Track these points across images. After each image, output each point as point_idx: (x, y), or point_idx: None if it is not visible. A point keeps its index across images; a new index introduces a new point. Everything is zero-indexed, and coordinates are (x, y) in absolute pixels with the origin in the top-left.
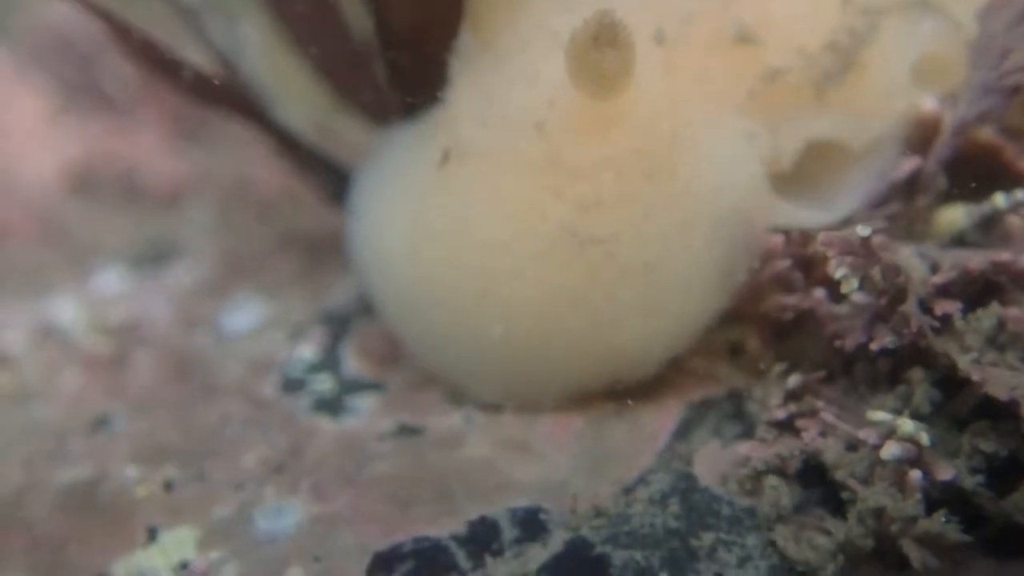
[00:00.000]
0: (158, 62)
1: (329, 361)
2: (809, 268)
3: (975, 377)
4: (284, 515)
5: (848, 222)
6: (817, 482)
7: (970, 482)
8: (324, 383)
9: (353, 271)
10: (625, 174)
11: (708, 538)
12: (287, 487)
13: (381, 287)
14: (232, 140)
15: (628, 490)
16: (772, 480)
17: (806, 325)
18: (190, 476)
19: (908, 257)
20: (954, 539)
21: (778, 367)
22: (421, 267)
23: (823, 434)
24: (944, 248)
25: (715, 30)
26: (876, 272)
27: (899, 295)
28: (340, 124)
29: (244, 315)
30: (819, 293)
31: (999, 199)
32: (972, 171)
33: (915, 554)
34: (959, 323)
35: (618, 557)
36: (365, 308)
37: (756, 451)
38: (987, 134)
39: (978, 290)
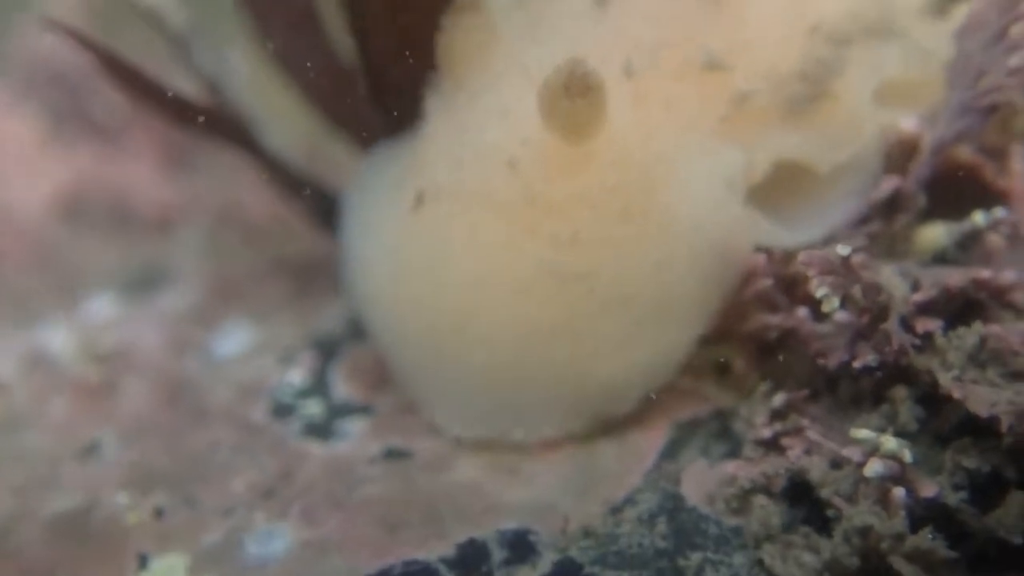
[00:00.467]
0: (146, 90)
1: (318, 385)
2: (792, 287)
3: (956, 394)
4: (274, 540)
5: (829, 241)
6: (803, 500)
7: (953, 499)
8: (314, 407)
9: (344, 297)
10: (600, 211)
11: (696, 558)
12: (277, 512)
13: (370, 325)
14: (221, 165)
15: (616, 510)
16: (761, 499)
17: (790, 344)
18: (180, 502)
19: (889, 275)
20: (942, 556)
21: (763, 386)
22: (402, 306)
23: (808, 452)
24: (925, 266)
25: (683, 58)
26: (857, 291)
27: (880, 313)
28: (327, 148)
29: (234, 340)
30: (802, 312)
31: (978, 217)
32: (952, 190)
33: (907, 570)
34: (940, 340)
35: None
36: (354, 332)
37: (742, 470)
38: (966, 153)
39: (959, 307)
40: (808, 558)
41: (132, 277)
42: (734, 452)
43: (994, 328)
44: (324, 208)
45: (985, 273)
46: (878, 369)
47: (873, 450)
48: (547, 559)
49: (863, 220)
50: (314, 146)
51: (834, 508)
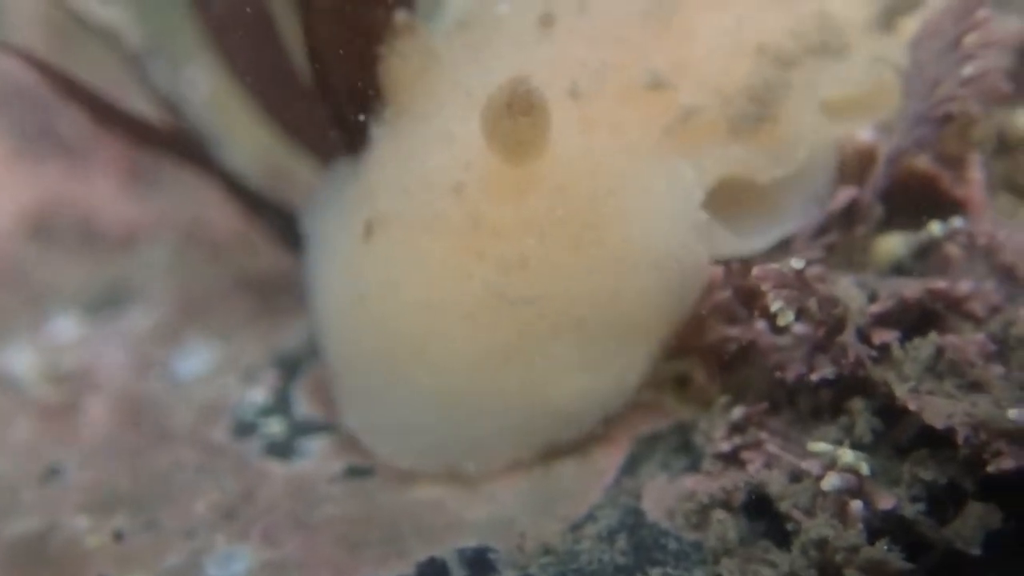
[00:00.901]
0: (104, 111)
1: (280, 404)
2: (751, 299)
3: (912, 406)
4: (234, 562)
5: (787, 251)
6: (763, 514)
7: (911, 510)
8: (275, 426)
9: (306, 313)
10: (548, 240)
11: (655, 573)
12: (238, 533)
13: (325, 355)
14: (187, 183)
15: (576, 527)
16: (719, 514)
17: (750, 356)
18: (141, 524)
19: (846, 287)
20: (897, 567)
21: (723, 399)
22: (354, 335)
23: (768, 466)
24: (883, 277)
25: (629, 79)
26: (812, 304)
27: (837, 326)
28: (288, 166)
29: (196, 359)
30: (760, 325)
31: (935, 227)
32: (910, 199)
33: None
34: (897, 352)
35: None
36: (317, 350)
37: (702, 484)
38: (923, 162)
39: (916, 318)
40: (767, 572)
41: (96, 296)
42: (694, 466)
43: (951, 339)
44: (286, 225)
45: (941, 284)
46: (835, 381)
47: (831, 463)
48: None
49: (821, 231)
50: (275, 164)
51: (793, 521)
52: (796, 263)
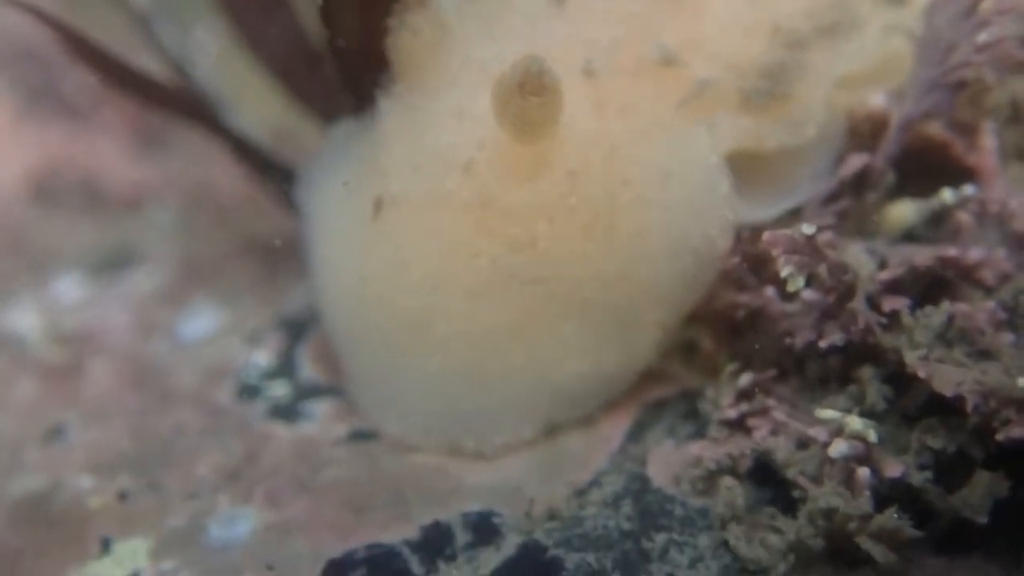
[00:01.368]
0: (111, 70)
1: (285, 367)
2: (760, 265)
3: (921, 373)
4: (238, 523)
5: (797, 218)
6: (769, 481)
7: (918, 478)
8: (279, 389)
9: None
10: (558, 224)
11: (661, 539)
12: (241, 495)
13: (332, 334)
14: (194, 144)
15: (581, 492)
16: (727, 480)
17: (759, 323)
18: (144, 485)
19: (856, 254)
20: (908, 535)
21: (730, 366)
22: (362, 312)
23: (774, 433)
24: (893, 244)
25: (641, 56)
26: (823, 270)
27: (847, 292)
28: (296, 128)
29: (201, 321)
30: (769, 291)
31: (947, 194)
32: (922, 166)
33: (876, 550)
34: (907, 319)
35: (571, 560)
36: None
37: (708, 451)
38: (935, 129)
39: (927, 286)
40: (774, 539)
41: (101, 257)
42: (701, 433)
43: (961, 307)
44: (293, 189)
45: (952, 251)
46: (844, 348)
47: (838, 430)
48: (511, 541)
49: (832, 198)
50: (283, 126)
51: (800, 489)
52: (807, 229)
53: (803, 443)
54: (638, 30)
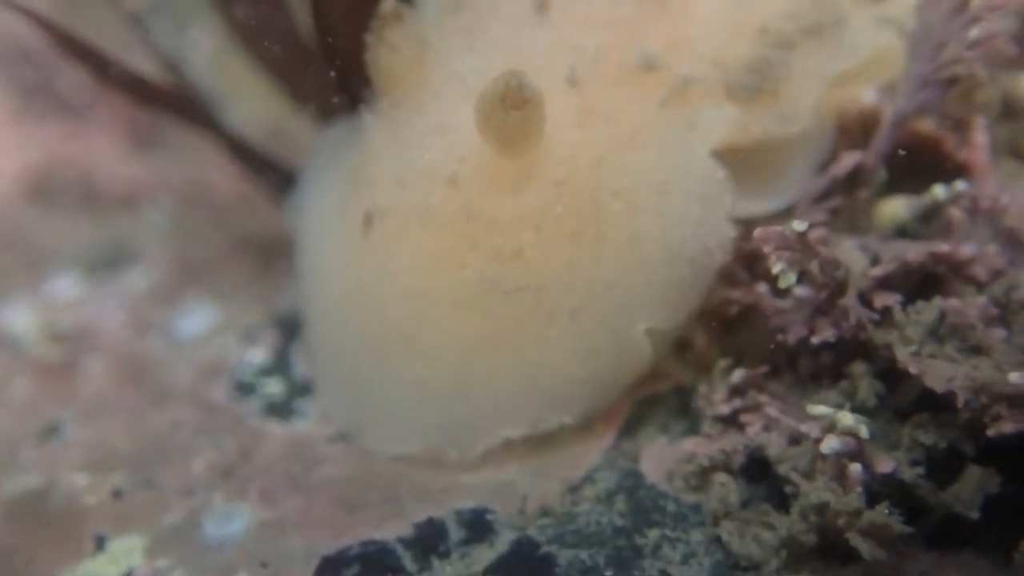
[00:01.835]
0: (105, 70)
1: (280, 364)
2: (753, 262)
3: (913, 369)
4: (232, 521)
5: (790, 216)
6: (762, 476)
7: (909, 474)
8: (274, 386)
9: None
10: (545, 233)
11: (653, 535)
12: (236, 492)
13: (319, 347)
14: (190, 142)
15: (575, 489)
16: (720, 476)
17: (751, 319)
18: (139, 483)
19: (849, 250)
20: (898, 531)
21: (723, 362)
22: (350, 318)
23: (767, 429)
24: (886, 240)
25: (624, 62)
26: (814, 266)
27: (839, 288)
28: (291, 126)
29: (196, 319)
30: (762, 287)
31: (938, 191)
32: (914, 162)
33: (863, 546)
34: (899, 315)
35: (564, 556)
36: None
37: (701, 447)
38: (927, 126)
39: (919, 282)
40: (766, 535)
41: (97, 256)
42: (694, 429)
43: (953, 302)
44: (288, 187)
45: (944, 247)
46: (836, 344)
47: (830, 426)
48: (505, 538)
49: (824, 195)
50: (277, 125)
51: (792, 484)
52: (798, 225)
53: (795, 439)
54: (622, 35)
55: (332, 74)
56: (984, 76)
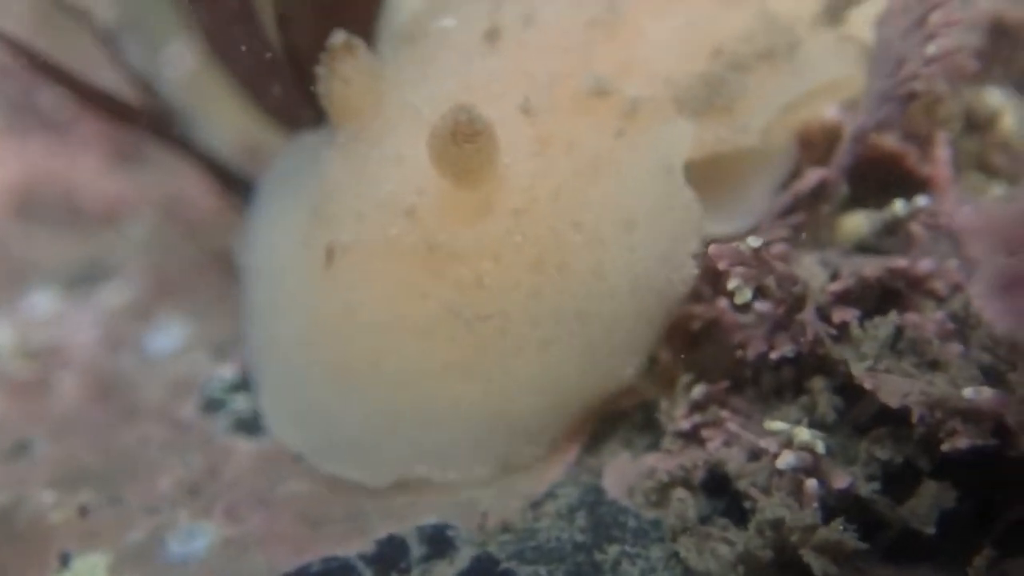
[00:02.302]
0: (80, 91)
1: (249, 380)
2: (717, 278)
3: (868, 385)
4: (196, 538)
5: (754, 232)
6: (722, 492)
7: (866, 489)
8: (243, 402)
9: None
10: (505, 261)
11: (613, 551)
12: (201, 509)
13: (272, 379)
14: (171, 158)
15: (536, 505)
16: (679, 492)
17: (714, 335)
18: (106, 500)
19: (809, 265)
20: (852, 547)
21: (685, 377)
22: (311, 349)
23: (727, 444)
24: (847, 255)
25: (576, 89)
26: (771, 282)
27: (797, 304)
28: (265, 143)
29: (167, 336)
30: (723, 303)
31: (898, 206)
32: (878, 177)
33: (816, 563)
34: (856, 331)
35: (523, 572)
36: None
37: (661, 462)
38: (889, 141)
39: (879, 297)
40: (724, 550)
41: (76, 272)
42: (657, 445)
43: (911, 317)
44: None
45: (901, 262)
46: (797, 360)
47: (787, 442)
48: (465, 554)
49: (787, 211)
50: (252, 142)
51: (751, 499)
52: (753, 241)
53: (755, 454)
54: (573, 61)
55: (296, 86)
56: (945, 91)
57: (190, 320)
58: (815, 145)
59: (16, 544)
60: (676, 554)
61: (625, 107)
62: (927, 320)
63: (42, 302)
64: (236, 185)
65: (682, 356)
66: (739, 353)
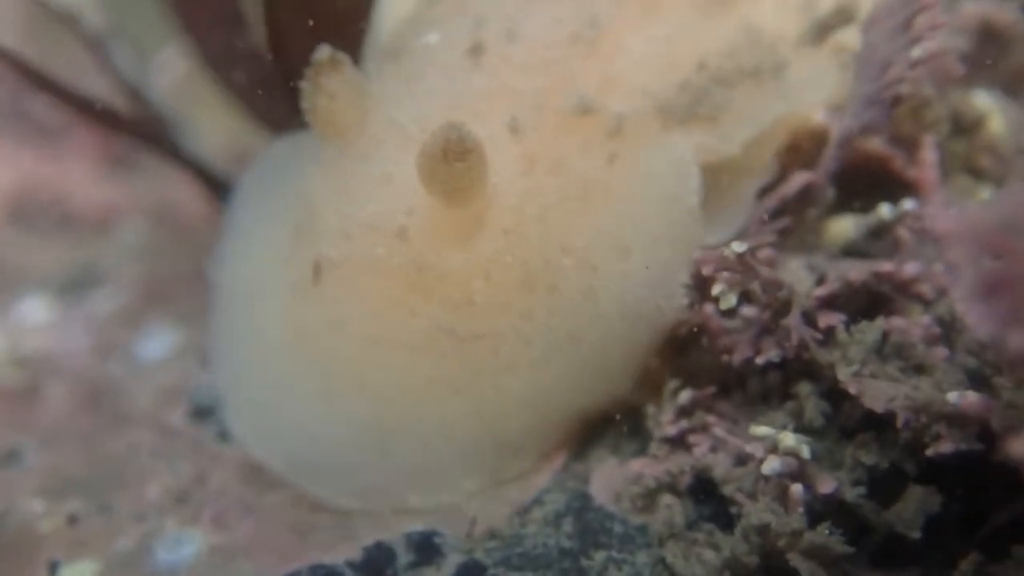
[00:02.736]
0: (70, 100)
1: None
2: (704, 284)
3: (852, 389)
4: (184, 546)
5: (739, 237)
6: (708, 497)
7: (851, 494)
8: None
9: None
10: (495, 280)
11: (600, 557)
12: (189, 517)
13: (249, 393)
14: (163, 164)
15: (523, 511)
16: (667, 498)
17: (701, 340)
18: (95, 508)
19: (796, 270)
20: (838, 551)
21: (672, 383)
22: (293, 368)
23: (713, 449)
24: (834, 259)
25: (562, 107)
26: (756, 287)
27: (782, 309)
28: (255, 150)
29: (158, 343)
30: (710, 308)
31: (884, 210)
32: (865, 181)
33: (802, 568)
34: (842, 335)
35: None
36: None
37: (649, 468)
38: (876, 144)
39: (865, 301)
40: (710, 556)
41: (67, 279)
42: (644, 450)
43: (897, 321)
44: None
45: (887, 266)
46: (782, 365)
47: (773, 447)
48: (452, 561)
49: (774, 215)
50: (241, 148)
51: (737, 505)
52: (737, 246)
53: (741, 460)
54: (558, 77)
55: (289, 95)
56: (931, 94)
57: (180, 327)
58: (801, 149)
59: (5, 553)
60: (663, 560)
61: (610, 124)
62: (913, 324)
63: (34, 309)
64: (226, 192)
65: (669, 362)
66: (725, 358)
